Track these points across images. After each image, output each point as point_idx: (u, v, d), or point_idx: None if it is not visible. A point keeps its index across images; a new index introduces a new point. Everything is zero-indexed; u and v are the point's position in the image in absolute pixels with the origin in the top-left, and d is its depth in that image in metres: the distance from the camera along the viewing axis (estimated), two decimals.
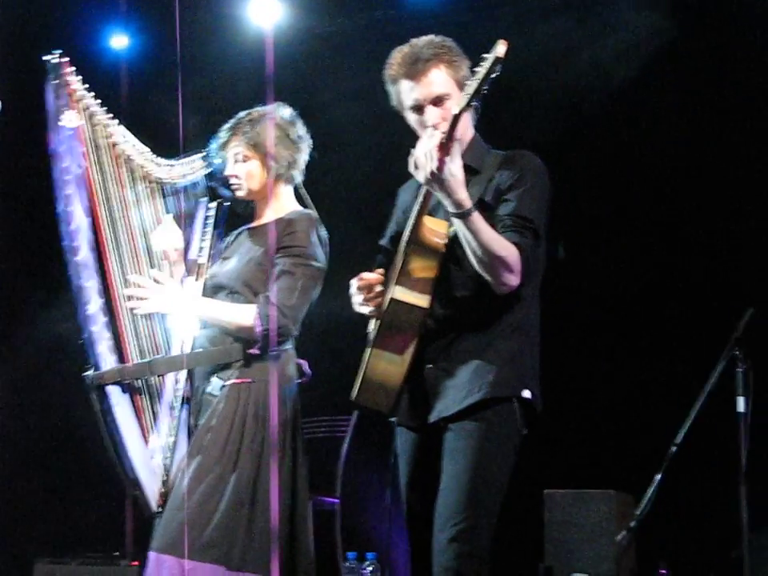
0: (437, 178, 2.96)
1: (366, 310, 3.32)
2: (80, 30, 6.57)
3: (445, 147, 2.94)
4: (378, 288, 3.27)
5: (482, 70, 2.87)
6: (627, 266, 5.91)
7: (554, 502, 5.39)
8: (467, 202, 3.01)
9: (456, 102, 3.05)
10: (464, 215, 3.01)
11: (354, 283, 3.31)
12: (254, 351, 3.58)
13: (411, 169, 3.06)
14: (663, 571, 5.50)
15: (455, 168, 2.98)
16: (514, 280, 3.11)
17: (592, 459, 5.70)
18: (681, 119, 5.75)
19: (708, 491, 5.35)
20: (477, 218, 3.02)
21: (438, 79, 3.23)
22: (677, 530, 5.45)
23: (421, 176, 3.01)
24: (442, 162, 2.94)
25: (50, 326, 5.85)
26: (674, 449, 4.29)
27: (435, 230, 3.20)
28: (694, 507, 5.45)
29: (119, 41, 6.81)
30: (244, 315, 3.57)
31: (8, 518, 6.31)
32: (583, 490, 5.35)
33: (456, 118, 2.95)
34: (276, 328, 3.52)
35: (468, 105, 2.94)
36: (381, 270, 3.33)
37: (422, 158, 2.98)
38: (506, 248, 3.07)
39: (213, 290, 3.74)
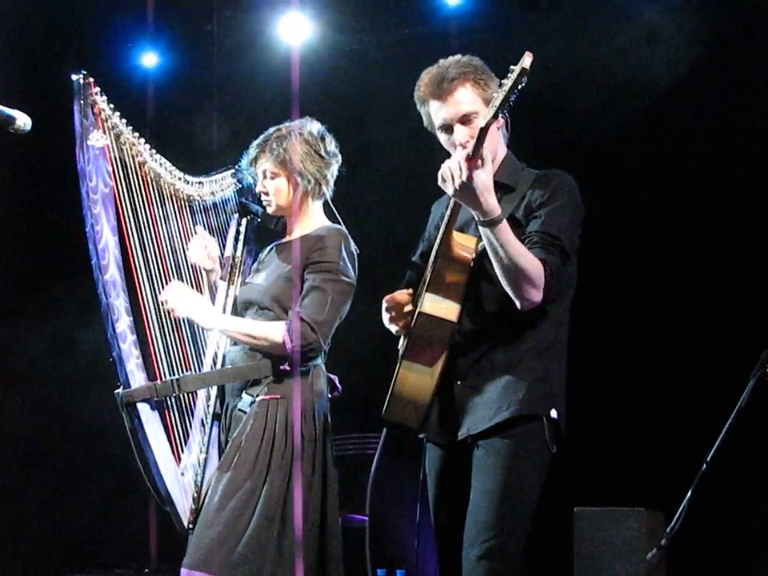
0: (466, 188, 2.97)
1: (394, 328, 3.35)
2: (111, 48, 6.62)
3: (473, 158, 2.95)
4: (407, 308, 3.28)
5: (508, 82, 2.88)
6: (660, 282, 5.89)
7: (584, 519, 5.35)
8: (497, 209, 3.01)
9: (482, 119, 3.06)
10: (493, 223, 3.01)
11: (384, 302, 3.34)
12: (285, 368, 3.58)
13: (440, 182, 3.06)
14: None
15: (484, 176, 2.99)
16: (536, 296, 3.10)
17: (622, 477, 5.68)
18: (727, 123, 5.72)
19: (739, 508, 5.32)
20: (505, 228, 3.03)
21: (465, 98, 3.25)
22: (708, 548, 5.41)
23: (450, 188, 3.01)
24: (470, 171, 2.95)
25: (86, 340, 5.88)
26: (705, 466, 4.26)
27: (464, 244, 3.22)
28: (725, 525, 5.41)
29: (149, 59, 6.86)
30: (274, 332, 3.56)
31: (37, 531, 6.35)
32: (613, 508, 5.32)
33: (483, 131, 2.95)
34: (306, 344, 3.51)
35: (495, 117, 2.94)
36: (409, 291, 3.35)
37: (450, 170, 2.99)
38: (531, 262, 3.07)
39: (243, 305, 3.75)
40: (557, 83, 5.80)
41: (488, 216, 3.01)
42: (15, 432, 6.44)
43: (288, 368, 3.57)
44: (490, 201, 3.00)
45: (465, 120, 3.25)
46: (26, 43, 6.22)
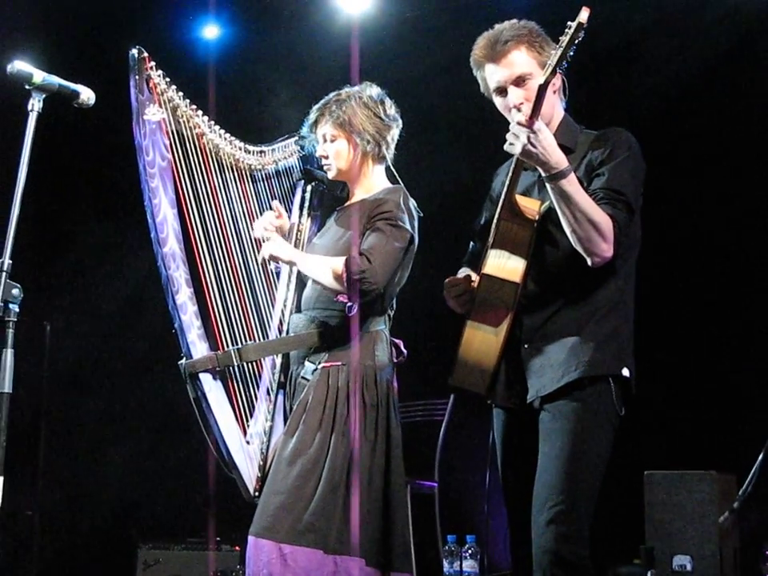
0: (532, 145, 2.98)
1: (458, 309, 3.36)
2: (172, 21, 6.65)
3: (533, 115, 2.96)
4: (474, 281, 3.30)
5: (565, 38, 2.89)
6: (730, 241, 5.82)
7: (655, 483, 5.33)
8: (564, 162, 3.03)
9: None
10: (563, 174, 3.01)
11: (445, 286, 3.37)
12: (342, 299, 3.56)
13: (507, 147, 3.07)
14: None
15: (547, 132, 3.02)
16: (607, 250, 3.08)
17: (693, 440, 5.63)
18: None
19: None
20: (573, 180, 3.04)
21: (519, 59, 3.25)
22: None
23: (517, 148, 3.01)
24: (533, 127, 2.96)
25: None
26: None
27: (527, 206, 3.22)
28: None
29: (210, 31, 6.88)
30: (335, 263, 3.54)
31: (112, 505, 6.44)
32: (685, 471, 5.29)
33: (542, 88, 2.95)
34: (360, 272, 3.48)
35: (553, 72, 2.95)
36: (467, 273, 3.40)
37: (515, 131, 3.00)
38: (600, 215, 3.06)
39: None
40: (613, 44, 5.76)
41: (556, 169, 3.01)
42: (89, 411, 6.54)
43: (345, 300, 3.55)
44: (556, 155, 3.02)
45: (519, 82, 3.24)
46: (86, 17, 6.27)
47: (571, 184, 3.02)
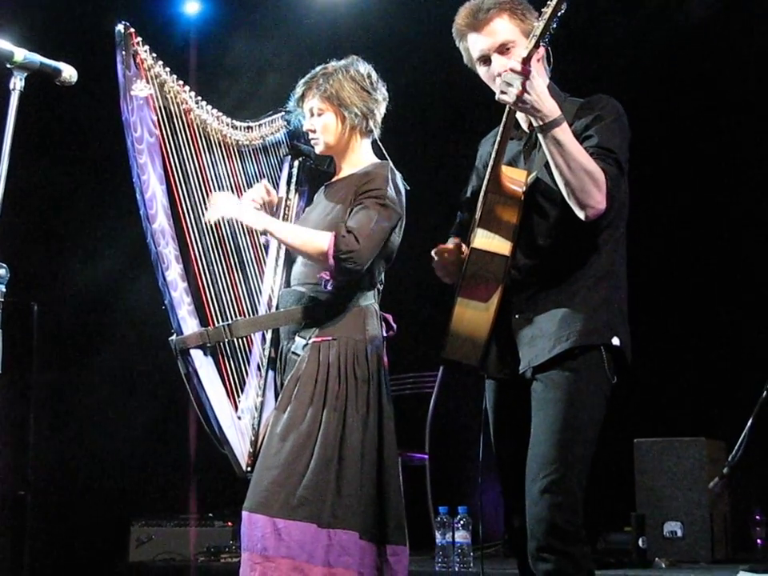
0: (526, 92, 2.94)
1: (447, 279, 3.37)
2: None
3: (527, 62, 2.92)
4: (464, 250, 3.29)
5: (548, 10, 2.87)
6: (719, 210, 5.84)
7: (644, 450, 5.37)
8: (557, 110, 3.00)
9: (523, 49, 3.02)
10: (556, 123, 2.99)
11: (433, 254, 3.36)
12: (328, 284, 3.57)
13: (499, 96, 3.03)
14: (758, 517, 5.46)
15: (539, 79, 3.00)
16: (600, 201, 3.05)
17: (683, 406, 5.67)
18: None
19: None
20: (567, 129, 3.01)
21: (502, 27, 3.23)
22: None
23: (511, 96, 2.97)
24: (526, 75, 2.92)
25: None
26: (765, 393, 4.23)
27: (514, 178, 3.20)
28: None
29: (192, 6, 6.86)
30: (320, 239, 3.53)
31: (104, 483, 6.44)
32: (674, 438, 5.32)
33: (526, 60, 2.92)
34: (348, 251, 3.48)
35: (536, 45, 2.92)
36: (456, 241, 3.38)
37: (508, 78, 2.96)
38: (593, 164, 3.04)
39: None
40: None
41: (550, 117, 2.99)
42: (75, 388, 6.54)
43: (329, 278, 3.55)
44: (550, 101, 2.99)
45: (502, 49, 3.22)
46: None
47: (565, 133, 3.00)
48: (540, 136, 3.04)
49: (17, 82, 2.90)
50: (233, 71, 6.45)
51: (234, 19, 6.66)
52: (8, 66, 2.89)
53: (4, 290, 2.76)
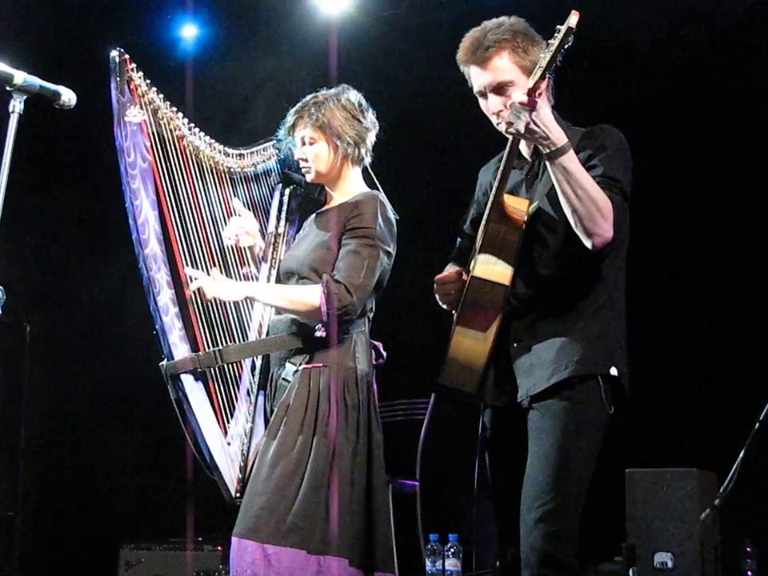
0: (534, 123, 2.95)
1: (447, 306, 3.38)
2: (150, 21, 6.64)
3: (533, 92, 2.92)
4: (459, 283, 3.31)
5: (554, 42, 2.87)
6: (715, 242, 5.84)
7: (636, 480, 5.34)
8: (563, 137, 3.01)
9: (521, 87, 3.04)
10: (563, 150, 3.00)
11: (435, 283, 3.38)
12: (320, 333, 3.59)
13: (506, 129, 3.06)
14: (749, 549, 5.44)
15: (545, 113, 2.99)
16: (608, 230, 3.07)
17: (675, 437, 5.65)
18: None
19: None
20: (573, 157, 3.02)
21: (500, 66, 3.23)
22: (762, 508, 5.38)
23: (520, 127, 2.97)
24: (532, 107, 2.93)
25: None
26: (757, 425, 4.23)
27: (515, 207, 3.21)
28: None
29: (189, 30, 6.88)
30: (309, 295, 3.57)
31: (94, 505, 6.43)
32: (666, 469, 5.30)
33: (531, 92, 2.92)
34: (342, 306, 3.52)
35: (542, 77, 2.92)
36: (458, 269, 3.38)
37: (516, 110, 2.97)
38: (600, 192, 3.05)
39: (284, 276, 3.77)
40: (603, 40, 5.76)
41: (556, 145, 2.99)
42: (66, 411, 6.53)
43: (323, 334, 3.58)
44: (557, 129, 3.00)
45: (498, 89, 3.23)
46: (65, 17, 6.25)
47: (572, 160, 3.01)
48: (548, 164, 3.06)
49: (16, 105, 2.93)
50: (230, 95, 6.48)
51: (232, 43, 6.67)
52: (8, 88, 2.92)
53: (0, 311, 2.76)
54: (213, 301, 3.64)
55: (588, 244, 3.08)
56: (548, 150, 3.01)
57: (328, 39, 6.01)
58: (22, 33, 5.98)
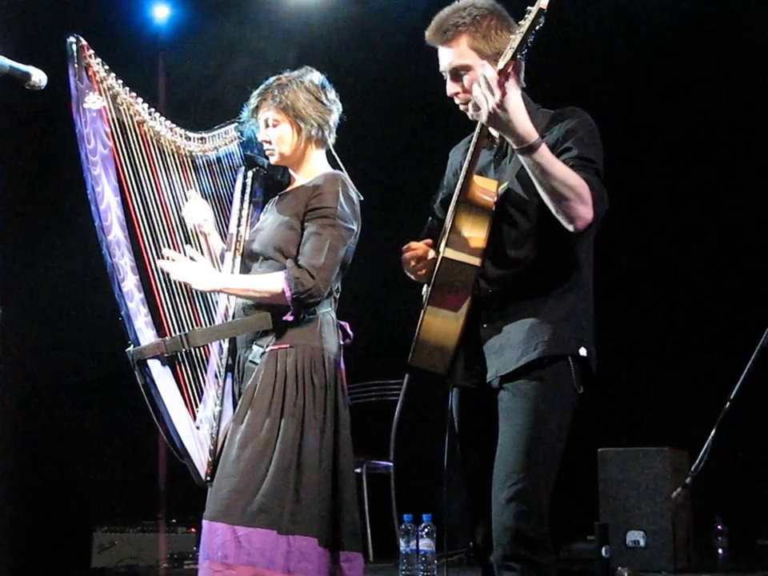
0: (499, 112, 2.91)
1: (416, 277, 3.37)
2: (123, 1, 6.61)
3: (502, 79, 2.89)
4: (430, 255, 3.31)
5: (525, 23, 2.84)
6: (691, 218, 5.86)
7: (608, 460, 5.38)
8: (533, 133, 2.97)
9: (480, 71, 2.99)
10: (533, 147, 2.96)
11: (403, 252, 3.36)
12: (288, 317, 3.59)
13: (471, 112, 3.06)
14: (720, 527, 5.48)
15: (515, 100, 2.94)
16: (587, 213, 3.05)
17: (646, 416, 5.68)
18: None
19: (763, 446, 5.31)
20: (545, 150, 2.99)
21: (458, 50, 3.21)
22: (732, 486, 5.42)
23: (483, 115, 2.95)
24: (502, 93, 2.89)
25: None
26: (728, 404, 4.26)
27: (485, 188, 3.20)
28: (749, 462, 5.41)
29: (161, 11, 6.85)
30: (273, 283, 3.57)
31: (66, 487, 6.42)
32: (638, 448, 5.34)
33: (501, 73, 2.89)
34: (305, 290, 3.52)
35: (513, 58, 2.89)
36: (428, 240, 3.37)
37: (481, 95, 2.93)
38: (575, 178, 3.03)
39: (249, 257, 3.77)
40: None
41: (526, 141, 2.96)
42: (37, 394, 6.51)
43: (291, 318, 3.59)
44: (525, 125, 2.95)
45: (455, 73, 3.23)
46: None
47: (543, 156, 2.97)
48: (519, 157, 3.03)
49: None
50: (201, 75, 6.45)
51: (203, 24, 6.65)
52: None
53: None
54: (180, 285, 3.64)
55: (570, 228, 3.07)
56: (516, 146, 2.99)
57: (300, 20, 6.00)
58: None
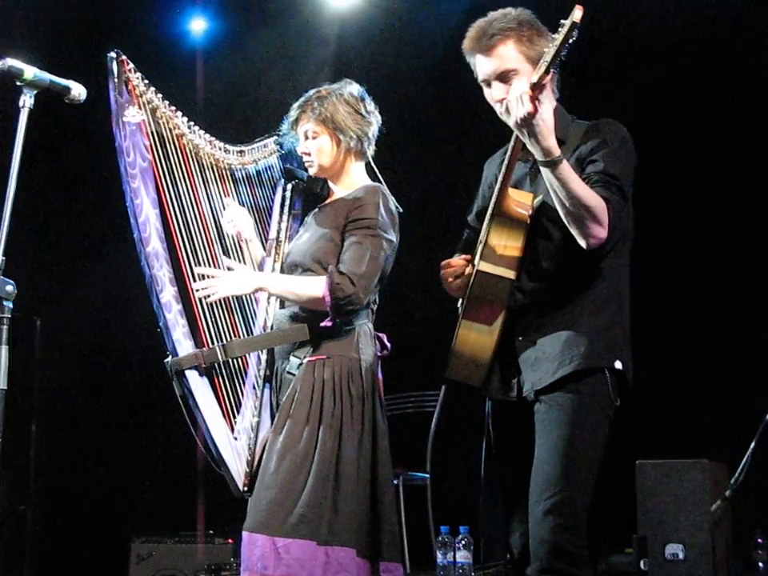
0: (527, 122, 2.93)
1: (454, 293, 3.38)
2: (159, 15, 6.65)
3: (535, 91, 2.91)
4: (467, 270, 3.31)
5: (559, 37, 2.84)
6: (730, 232, 5.83)
7: (646, 472, 5.34)
8: (556, 149, 2.99)
9: (526, 76, 3.05)
10: (554, 163, 2.98)
11: (441, 268, 3.38)
12: (326, 323, 3.60)
13: (502, 114, 3.05)
14: (760, 540, 5.43)
15: (546, 114, 2.96)
16: (601, 232, 3.06)
17: (685, 428, 5.65)
18: None
19: None
20: (566, 168, 3.00)
21: (505, 54, 3.22)
22: None
23: (511, 120, 2.98)
24: (534, 105, 2.91)
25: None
26: (767, 416, 4.22)
27: (520, 201, 3.21)
28: None
29: (198, 24, 6.89)
30: (314, 287, 3.58)
31: (105, 499, 6.45)
32: (676, 460, 5.29)
33: (534, 87, 2.91)
34: (345, 296, 3.52)
35: (546, 72, 2.90)
36: (466, 256, 3.37)
37: (514, 101, 2.95)
38: (594, 199, 3.04)
39: (289, 268, 3.78)
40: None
41: (547, 156, 2.98)
42: (76, 405, 6.55)
43: (330, 324, 3.59)
44: (550, 140, 2.97)
45: (503, 77, 3.22)
46: (76, 12, 6.27)
47: (563, 171, 2.99)
48: (541, 169, 3.05)
49: (26, 100, 2.97)
50: (238, 87, 6.48)
51: (240, 37, 6.68)
52: (18, 83, 2.95)
53: (11, 306, 2.78)
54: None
55: (583, 244, 3.09)
56: (540, 158, 3.00)
57: (337, 33, 6.01)
58: (34, 29, 6.00)
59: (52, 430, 6.36)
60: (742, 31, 5.77)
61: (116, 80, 3.70)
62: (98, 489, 6.46)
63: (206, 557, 5.83)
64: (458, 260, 3.37)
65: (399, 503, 5.44)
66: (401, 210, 3.75)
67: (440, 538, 5.34)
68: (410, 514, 5.45)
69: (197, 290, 3.63)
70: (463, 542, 5.26)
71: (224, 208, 3.87)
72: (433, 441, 5.72)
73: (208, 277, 3.64)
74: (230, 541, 5.80)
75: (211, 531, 5.97)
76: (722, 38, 5.78)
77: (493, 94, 3.23)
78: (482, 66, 3.25)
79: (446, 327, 3.44)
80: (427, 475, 5.62)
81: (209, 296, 3.63)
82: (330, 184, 3.87)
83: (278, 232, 3.93)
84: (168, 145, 3.74)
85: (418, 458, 5.67)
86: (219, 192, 3.86)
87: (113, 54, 3.72)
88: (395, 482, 5.37)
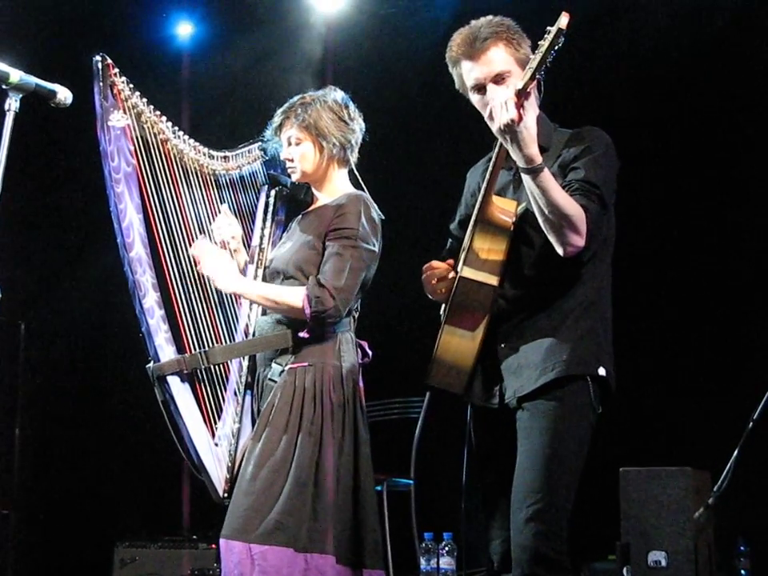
0: (511, 129, 2.94)
1: (435, 297, 3.38)
2: (146, 19, 6.65)
3: (521, 98, 2.92)
4: (450, 275, 3.31)
5: (545, 43, 2.86)
6: (712, 237, 5.83)
7: (630, 479, 5.33)
8: (538, 157, 2.99)
9: (518, 78, 3.05)
10: (534, 171, 2.99)
11: (423, 271, 3.38)
12: (304, 334, 3.60)
13: (486, 118, 3.05)
14: (742, 548, 5.44)
15: (529, 121, 2.97)
16: (578, 241, 3.08)
17: (669, 436, 5.65)
18: None
19: None
20: (546, 176, 3.01)
21: (498, 57, 3.23)
22: (756, 506, 5.38)
23: (495, 126, 2.98)
24: (518, 112, 2.92)
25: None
26: (751, 424, 4.22)
27: (504, 208, 3.22)
28: None
29: (184, 28, 6.89)
30: (294, 296, 3.58)
31: (89, 503, 6.44)
32: (660, 468, 5.30)
33: (521, 92, 2.92)
34: (324, 309, 3.53)
35: (532, 78, 2.92)
36: (450, 261, 3.38)
37: (498, 107, 2.96)
38: (573, 207, 3.05)
39: (270, 275, 3.79)
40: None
41: (529, 164, 2.99)
42: (60, 409, 6.54)
43: (307, 335, 3.60)
44: (532, 148, 2.98)
45: (498, 79, 3.22)
46: (61, 15, 6.26)
47: (544, 180, 3.00)
48: (522, 175, 3.06)
49: (12, 103, 2.96)
50: (223, 94, 6.48)
51: (226, 41, 6.68)
52: (4, 87, 2.95)
53: None
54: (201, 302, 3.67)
55: (560, 252, 3.10)
56: (522, 165, 3.01)
57: (324, 38, 6.02)
58: (19, 33, 5.99)
59: (36, 435, 6.34)
60: (742, 31, 5.77)
61: (101, 84, 3.71)
62: (81, 493, 6.44)
63: (190, 562, 5.83)
64: (440, 263, 3.38)
65: (383, 509, 5.44)
66: (383, 218, 3.76)
67: (423, 545, 5.34)
68: (393, 520, 5.45)
69: (192, 254, 3.67)
70: (447, 549, 5.27)
71: (209, 217, 3.87)
72: (417, 447, 5.72)
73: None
74: (213, 546, 5.79)
75: (195, 536, 5.97)
76: (722, 37, 5.79)
77: (489, 96, 3.22)
78: (474, 71, 3.24)
79: (430, 333, 3.45)
80: (411, 481, 5.62)
81: (197, 264, 3.65)
82: (314, 191, 3.88)
83: (261, 239, 3.95)
84: (152, 150, 3.75)
85: (402, 464, 5.67)
86: (203, 198, 3.87)
87: (98, 58, 3.73)
88: (378, 488, 5.39)
